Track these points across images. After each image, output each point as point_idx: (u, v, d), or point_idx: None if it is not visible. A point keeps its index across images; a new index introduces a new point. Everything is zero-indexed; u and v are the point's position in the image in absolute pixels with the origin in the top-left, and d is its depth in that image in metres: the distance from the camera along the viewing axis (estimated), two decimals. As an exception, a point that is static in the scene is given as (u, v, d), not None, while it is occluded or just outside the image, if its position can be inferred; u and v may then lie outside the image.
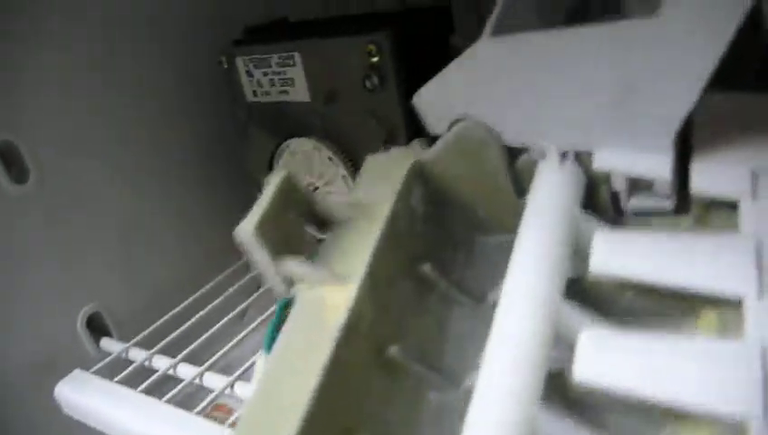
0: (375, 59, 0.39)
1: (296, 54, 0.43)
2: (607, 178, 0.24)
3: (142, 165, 0.50)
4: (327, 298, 0.24)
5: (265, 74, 0.46)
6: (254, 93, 0.48)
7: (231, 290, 0.49)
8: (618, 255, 0.22)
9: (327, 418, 0.22)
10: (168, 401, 0.37)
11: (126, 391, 0.38)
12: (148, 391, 0.38)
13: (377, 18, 0.47)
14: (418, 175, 0.27)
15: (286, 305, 0.26)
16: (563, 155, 0.24)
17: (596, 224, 0.23)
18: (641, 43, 0.21)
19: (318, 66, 0.42)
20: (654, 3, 0.21)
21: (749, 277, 0.20)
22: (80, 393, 0.39)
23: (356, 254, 0.25)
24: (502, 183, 0.27)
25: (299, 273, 0.24)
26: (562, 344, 0.21)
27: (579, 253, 0.23)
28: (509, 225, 0.27)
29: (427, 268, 0.26)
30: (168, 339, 0.44)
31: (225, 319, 0.45)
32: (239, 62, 0.47)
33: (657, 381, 0.19)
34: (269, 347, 0.26)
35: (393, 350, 0.24)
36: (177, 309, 0.48)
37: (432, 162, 0.27)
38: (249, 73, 0.47)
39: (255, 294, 0.48)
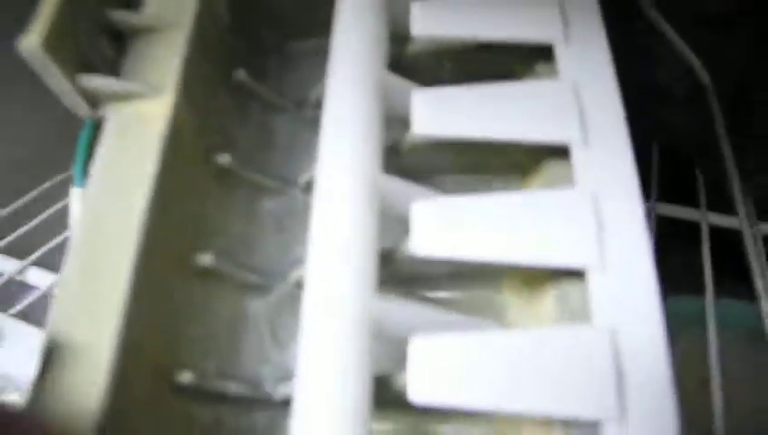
0: None
1: None
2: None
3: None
4: (142, 111, 0.22)
5: None
6: None
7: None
8: (436, 18, 0.22)
9: (165, 244, 0.21)
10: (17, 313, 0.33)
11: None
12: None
13: None
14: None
15: (95, 127, 0.23)
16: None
17: None
18: None
19: None
20: None
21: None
22: None
23: (165, 63, 0.23)
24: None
25: (105, 88, 0.22)
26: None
27: (397, 31, 0.23)
28: (322, 27, 0.26)
29: (241, 74, 0.25)
30: (12, 236, 0.38)
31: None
32: None
33: (496, 239, 0.18)
34: (81, 178, 0.23)
35: (223, 157, 0.23)
36: (23, 200, 0.40)
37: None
38: None
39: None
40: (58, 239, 0.36)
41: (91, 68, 0.22)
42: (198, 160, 0.23)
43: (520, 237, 0.18)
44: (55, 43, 0.21)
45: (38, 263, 0.36)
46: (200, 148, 0.23)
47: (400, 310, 0.18)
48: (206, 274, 0.22)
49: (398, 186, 0.20)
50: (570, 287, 0.19)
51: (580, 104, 0.20)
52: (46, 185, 0.40)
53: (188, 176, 0.22)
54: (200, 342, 0.22)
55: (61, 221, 0.37)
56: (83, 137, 0.23)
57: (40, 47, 0.20)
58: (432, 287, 0.22)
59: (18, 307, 0.33)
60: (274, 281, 0.23)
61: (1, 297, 0.35)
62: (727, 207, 0.36)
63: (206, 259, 0.22)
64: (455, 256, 0.19)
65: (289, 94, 0.27)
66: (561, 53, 0.21)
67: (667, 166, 0.35)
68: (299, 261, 0.23)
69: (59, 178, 0.40)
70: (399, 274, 0.21)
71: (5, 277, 0.35)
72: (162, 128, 0.21)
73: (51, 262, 0.36)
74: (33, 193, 0.40)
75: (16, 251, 0.37)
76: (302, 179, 0.24)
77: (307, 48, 0.27)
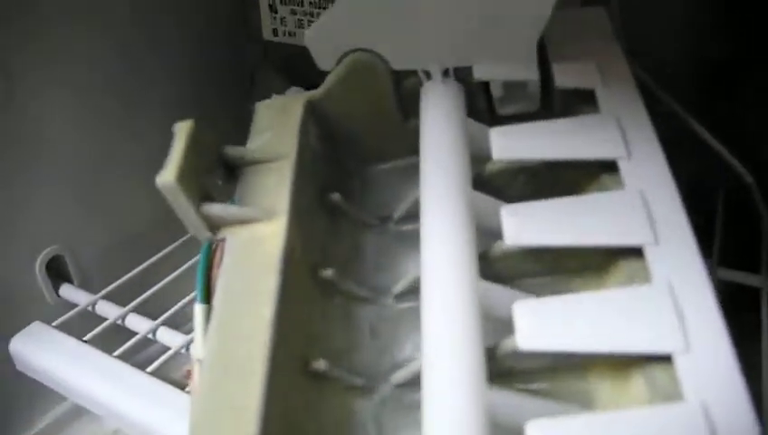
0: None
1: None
2: (483, 88, 0.28)
3: (119, 93, 0.44)
4: (259, 233, 0.25)
5: (293, 12, 0.40)
6: (275, 32, 0.41)
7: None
8: (514, 142, 0.25)
9: (286, 350, 0.23)
10: (151, 372, 0.35)
11: (98, 356, 0.35)
12: (123, 356, 0.36)
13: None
14: (312, 114, 0.28)
15: (209, 249, 0.26)
16: (445, 72, 0.28)
17: (484, 126, 0.27)
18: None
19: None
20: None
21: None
22: (41, 351, 0.36)
23: (274, 191, 0.26)
24: (389, 108, 0.29)
25: (226, 215, 0.25)
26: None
27: (474, 155, 0.26)
28: (395, 151, 0.30)
29: (336, 197, 0.28)
30: (145, 295, 0.40)
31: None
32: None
33: (591, 337, 0.21)
34: (203, 295, 0.26)
35: (327, 272, 0.26)
36: (155, 258, 0.43)
37: (323, 98, 0.28)
38: (272, 7, 0.40)
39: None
40: (185, 300, 0.39)
41: (208, 197, 0.25)
42: (306, 275, 0.26)
43: (615, 331, 0.21)
44: (183, 179, 0.24)
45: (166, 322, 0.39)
46: (306, 264, 0.26)
47: (510, 401, 0.21)
48: (318, 377, 0.24)
49: (494, 290, 0.23)
50: (657, 371, 0.21)
51: (648, 210, 0.23)
52: (173, 245, 0.44)
53: (299, 289, 0.25)
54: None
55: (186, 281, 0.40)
56: (202, 258, 0.26)
57: (175, 182, 0.24)
58: (524, 380, 0.25)
59: (154, 366, 0.35)
60: (376, 382, 0.25)
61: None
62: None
63: (320, 364, 0.24)
64: (555, 349, 0.21)
65: (372, 212, 0.30)
66: (624, 167, 0.25)
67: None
68: (396, 363, 0.26)
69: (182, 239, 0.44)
70: (498, 369, 0.23)
71: (140, 336, 0.37)
72: (280, 247, 0.24)
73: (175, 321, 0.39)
74: (164, 252, 0.44)
75: (145, 311, 0.40)
76: (395, 289, 0.27)
77: (384, 170, 0.31)
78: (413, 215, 0.26)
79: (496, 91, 0.28)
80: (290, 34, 0.41)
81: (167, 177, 0.24)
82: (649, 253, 0.22)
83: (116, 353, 0.36)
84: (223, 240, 0.25)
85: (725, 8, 0.42)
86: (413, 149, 0.27)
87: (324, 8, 0.39)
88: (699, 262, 0.22)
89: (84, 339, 0.37)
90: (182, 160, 0.24)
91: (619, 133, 0.25)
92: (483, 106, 0.29)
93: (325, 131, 0.29)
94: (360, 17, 0.27)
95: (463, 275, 0.22)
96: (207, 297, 0.25)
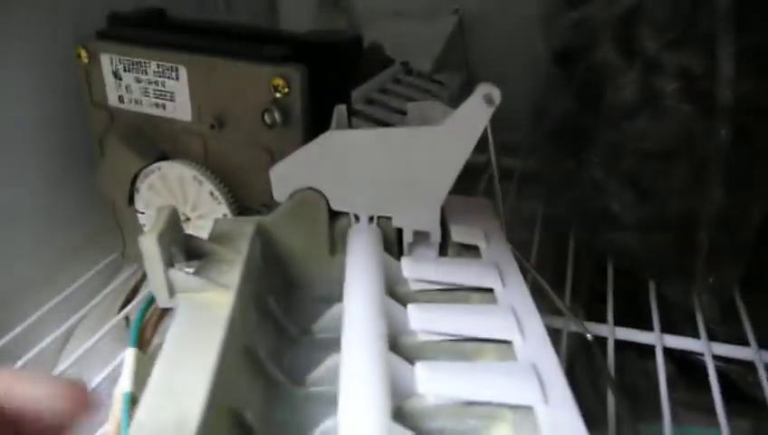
0: (281, 94, 0.37)
1: (182, 68, 0.39)
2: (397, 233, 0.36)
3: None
4: (209, 300, 0.30)
5: (138, 80, 0.41)
6: (120, 99, 0.42)
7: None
8: (420, 270, 0.33)
9: (221, 400, 0.26)
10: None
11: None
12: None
13: (282, 42, 0.40)
14: (259, 234, 0.35)
15: (149, 305, 0.31)
16: (371, 218, 0.36)
17: (394, 261, 0.35)
18: (424, 146, 0.34)
19: (208, 87, 0.39)
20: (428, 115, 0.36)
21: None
22: None
23: (229, 274, 0.31)
24: (321, 241, 0.36)
25: (187, 281, 0.30)
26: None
27: (388, 277, 0.33)
28: (318, 281, 0.37)
29: (271, 301, 0.33)
30: None
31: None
32: (104, 59, 0.41)
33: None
34: (135, 341, 0.30)
35: (261, 351, 0.30)
36: None
37: (272, 224, 0.35)
38: (116, 75, 0.41)
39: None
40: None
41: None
42: (239, 346, 0.30)
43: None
44: (162, 241, 0.29)
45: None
46: (241, 339, 0.30)
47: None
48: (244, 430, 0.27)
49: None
50: None
51: (539, 377, 0.28)
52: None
53: (234, 355, 0.29)
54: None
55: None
56: (141, 310, 0.31)
57: (156, 239, 0.29)
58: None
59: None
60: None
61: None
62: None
63: (248, 416, 0.27)
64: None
65: (294, 323, 0.35)
66: (518, 345, 0.30)
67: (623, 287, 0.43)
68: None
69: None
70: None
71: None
72: (227, 312, 0.29)
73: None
74: None
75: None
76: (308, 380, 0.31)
77: (304, 296, 0.37)
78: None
79: (407, 237, 0.36)
80: (136, 102, 0.42)
81: (151, 233, 0.29)
82: (539, 410, 0.27)
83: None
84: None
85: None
86: (335, 281, 0.33)
87: (168, 78, 0.40)
88: (580, 424, 0.26)
89: None
90: (163, 227, 0.30)
91: (496, 271, 0.34)
92: (394, 242, 0.37)
93: (266, 251, 0.36)
94: (313, 165, 0.35)
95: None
96: (139, 343, 0.30)
